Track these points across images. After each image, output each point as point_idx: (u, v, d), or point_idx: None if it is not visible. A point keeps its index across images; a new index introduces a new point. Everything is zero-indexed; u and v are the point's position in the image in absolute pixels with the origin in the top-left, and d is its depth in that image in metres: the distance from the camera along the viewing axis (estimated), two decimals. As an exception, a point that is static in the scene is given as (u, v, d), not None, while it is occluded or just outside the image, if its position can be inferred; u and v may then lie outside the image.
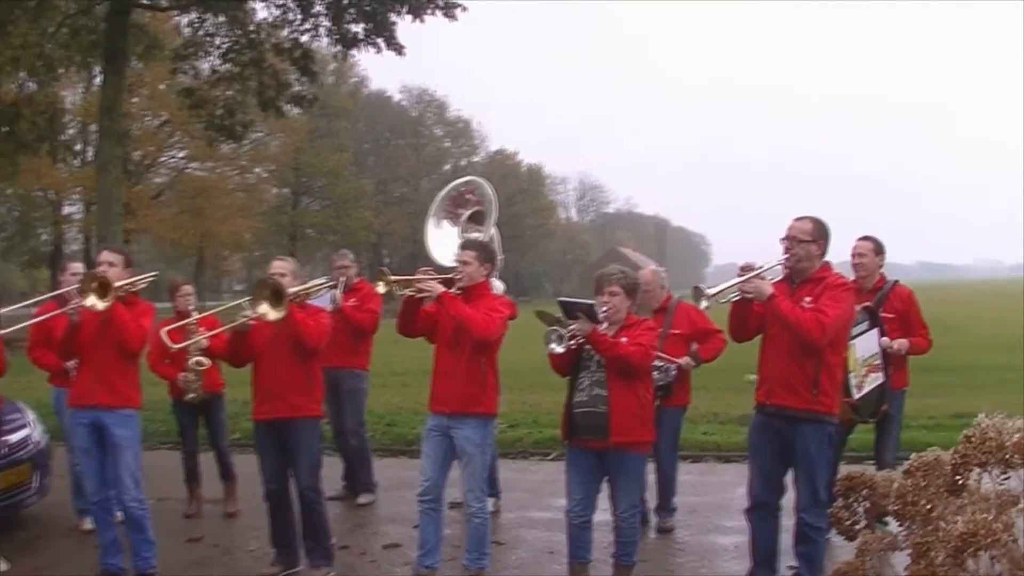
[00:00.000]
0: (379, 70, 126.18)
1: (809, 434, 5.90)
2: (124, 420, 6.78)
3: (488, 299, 6.69)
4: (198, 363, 8.32)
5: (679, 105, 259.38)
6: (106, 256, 6.95)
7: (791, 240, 6.01)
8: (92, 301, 6.44)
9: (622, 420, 6.00)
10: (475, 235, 8.75)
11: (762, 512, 6.20)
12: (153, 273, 7.38)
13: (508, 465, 10.63)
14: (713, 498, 9.12)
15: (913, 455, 5.65)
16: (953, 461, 5.28)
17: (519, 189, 79.73)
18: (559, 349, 5.98)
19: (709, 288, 5.97)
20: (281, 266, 7.00)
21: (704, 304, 6.02)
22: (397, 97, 77.18)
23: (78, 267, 8.07)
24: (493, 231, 8.78)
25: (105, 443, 6.77)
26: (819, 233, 6.02)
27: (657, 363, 7.43)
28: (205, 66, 17.44)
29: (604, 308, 6.09)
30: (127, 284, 6.86)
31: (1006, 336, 26.45)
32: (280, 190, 61.99)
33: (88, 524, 7.78)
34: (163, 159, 46.61)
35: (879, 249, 7.67)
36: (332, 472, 9.06)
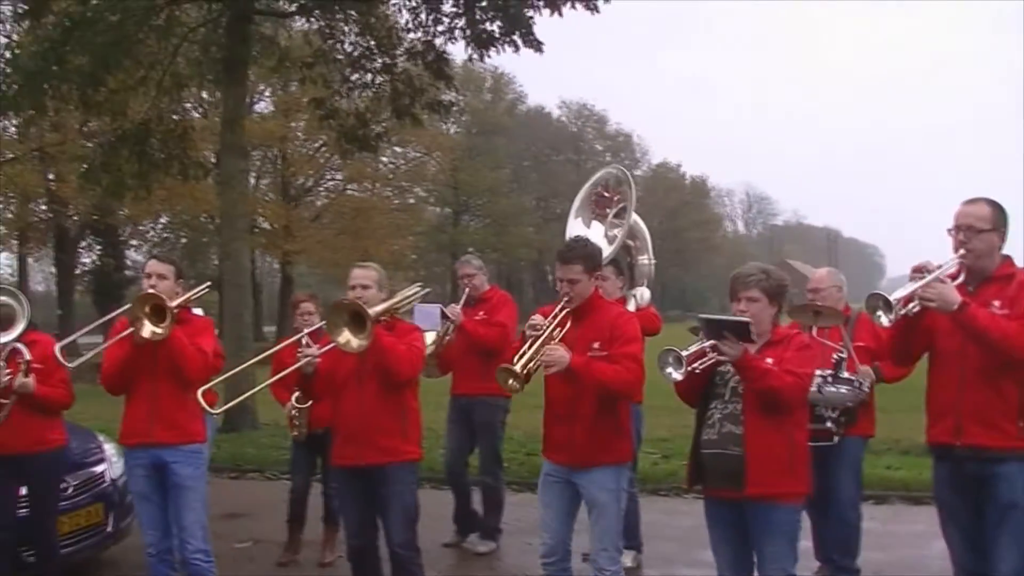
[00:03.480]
0: (537, 87, 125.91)
1: (1018, 479, 4.47)
2: (188, 457, 5.81)
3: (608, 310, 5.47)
4: (300, 399, 7.24)
5: (845, 109, 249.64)
6: (154, 267, 5.92)
7: (965, 230, 4.61)
8: (150, 329, 5.49)
9: (762, 466, 4.59)
10: (616, 232, 7.60)
11: None
12: (206, 285, 6.41)
13: (656, 505, 9.24)
14: (904, 554, 7.52)
15: None
16: None
17: (683, 202, 78.55)
18: (677, 375, 4.65)
19: (893, 294, 4.55)
20: (362, 275, 5.75)
21: (886, 321, 4.57)
22: (556, 113, 76.57)
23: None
24: (640, 224, 7.65)
25: (166, 485, 5.80)
26: (998, 219, 4.65)
27: (847, 374, 6.04)
28: (335, 75, 16.66)
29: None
30: (181, 301, 5.86)
31: None
32: (441, 209, 61.99)
33: None
34: (323, 182, 46.88)
35: None
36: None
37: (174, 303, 5.66)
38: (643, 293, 7.68)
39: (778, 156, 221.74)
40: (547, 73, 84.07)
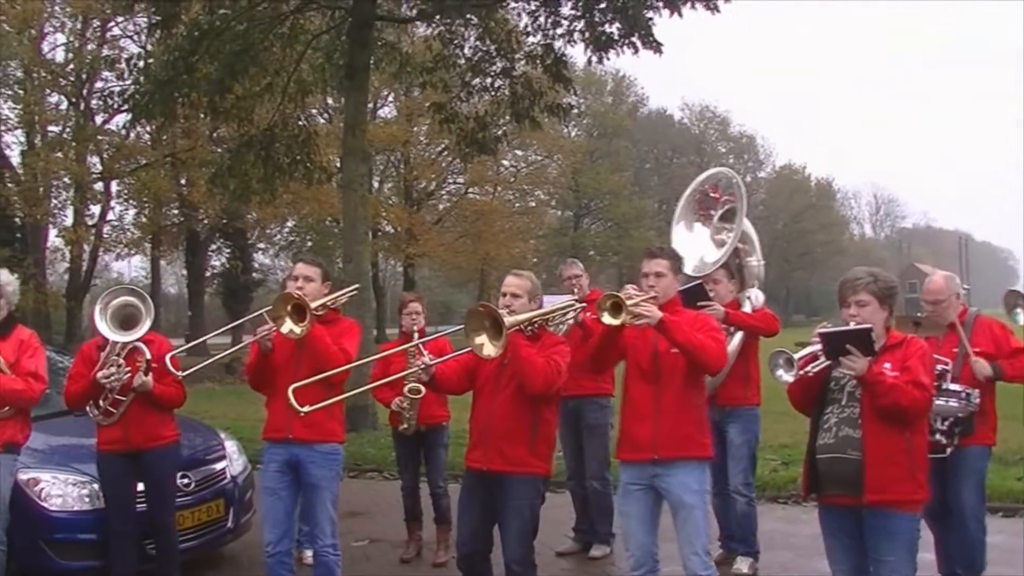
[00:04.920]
0: (659, 89, 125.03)
1: None
2: (324, 458, 5.94)
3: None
4: (413, 391, 7.29)
5: (980, 105, 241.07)
6: (302, 269, 6.10)
7: None
8: (288, 327, 5.64)
9: (882, 471, 4.47)
10: (725, 236, 7.50)
11: None
12: (355, 287, 6.62)
13: (775, 513, 9.08)
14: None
15: None
16: None
17: (808, 205, 77.24)
18: (788, 377, 4.58)
19: None
20: (514, 284, 5.70)
21: (1023, 319, 4.40)
22: (678, 115, 75.92)
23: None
24: (746, 224, 7.47)
25: (301, 483, 5.96)
26: None
27: (953, 386, 5.84)
28: (455, 80, 16.78)
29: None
30: (327, 302, 6.04)
31: None
32: (562, 212, 61.91)
33: (309, 557, 6.71)
34: (445, 185, 47.25)
35: None
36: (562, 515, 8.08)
37: (315, 303, 5.84)
38: (757, 295, 7.58)
39: (908, 157, 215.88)
40: (671, 75, 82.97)
